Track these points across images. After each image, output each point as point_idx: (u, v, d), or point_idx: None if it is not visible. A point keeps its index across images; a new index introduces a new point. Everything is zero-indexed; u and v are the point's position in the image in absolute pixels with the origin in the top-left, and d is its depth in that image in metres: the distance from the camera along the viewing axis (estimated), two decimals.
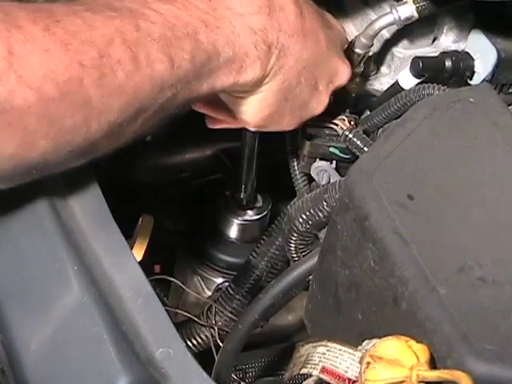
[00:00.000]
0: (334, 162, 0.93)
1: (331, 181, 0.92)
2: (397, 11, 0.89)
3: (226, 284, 1.07)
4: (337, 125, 0.88)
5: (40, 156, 0.61)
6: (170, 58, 0.65)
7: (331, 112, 0.87)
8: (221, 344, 0.99)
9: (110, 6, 0.65)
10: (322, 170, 0.92)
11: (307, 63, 0.77)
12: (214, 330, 1.02)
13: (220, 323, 1.03)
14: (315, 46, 0.77)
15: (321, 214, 0.83)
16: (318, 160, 0.93)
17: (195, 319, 1.04)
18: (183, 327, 1.04)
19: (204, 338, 1.04)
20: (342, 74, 0.83)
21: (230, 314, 1.03)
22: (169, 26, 0.66)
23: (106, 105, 0.62)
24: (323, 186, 0.90)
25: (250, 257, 1.03)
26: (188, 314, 1.04)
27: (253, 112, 0.78)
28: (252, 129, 0.82)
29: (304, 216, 0.84)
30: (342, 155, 0.90)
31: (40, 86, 0.58)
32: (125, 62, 0.62)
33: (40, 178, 0.64)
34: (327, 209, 0.82)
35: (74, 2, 0.64)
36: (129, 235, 0.86)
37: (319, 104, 0.82)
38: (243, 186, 1.07)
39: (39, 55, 0.58)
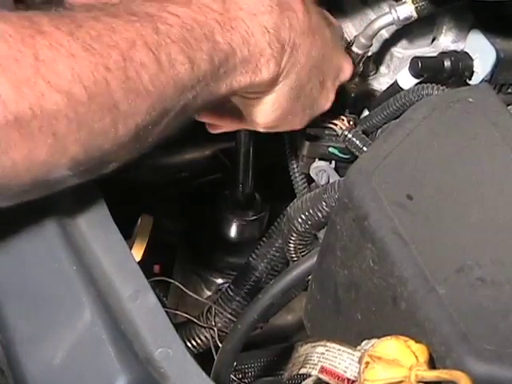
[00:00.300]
0: (333, 162, 0.93)
1: (330, 181, 0.92)
2: (396, 11, 0.89)
3: (226, 285, 1.07)
4: (336, 125, 0.88)
5: (70, 161, 0.61)
6: (190, 59, 0.66)
7: (331, 112, 0.87)
8: (220, 345, 0.99)
9: (128, 10, 0.65)
10: (321, 170, 0.92)
11: (316, 60, 0.78)
12: (214, 331, 1.02)
13: (220, 324, 1.03)
14: (322, 43, 0.78)
15: (320, 214, 0.83)
16: (317, 160, 0.93)
17: (195, 320, 1.04)
18: (183, 328, 1.04)
19: (203, 339, 1.04)
20: (346, 69, 0.84)
21: (229, 316, 1.03)
22: (186, 28, 0.66)
23: (133, 107, 0.62)
24: (322, 186, 0.90)
25: (250, 258, 1.03)
26: (187, 316, 1.04)
27: (266, 112, 0.78)
28: (262, 130, 0.82)
29: (303, 216, 0.84)
30: (341, 155, 0.90)
31: (68, 89, 0.58)
32: (148, 65, 0.63)
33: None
34: (326, 209, 0.82)
35: (94, 8, 0.65)
36: (128, 235, 0.86)
37: (327, 101, 0.82)
38: (241, 186, 1.07)
39: (65, 60, 0.58)
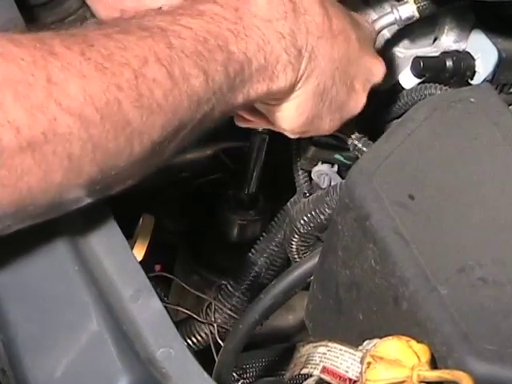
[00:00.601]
0: (336, 165, 0.92)
1: (332, 184, 0.92)
2: (397, 11, 0.89)
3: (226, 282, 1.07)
4: (348, 136, 0.87)
5: (86, 182, 0.61)
6: (205, 71, 0.65)
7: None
8: (220, 342, 0.99)
9: (141, 25, 0.65)
10: (324, 174, 0.92)
11: (340, 63, 0.76)
12: (214, 327, 1.03)
13: (219, 320, 1.04)
14: (346, 45, 0.77)
15: (322, 217, 0.83)
16: (319, 163, 0.92)
17: (195, 316, 1.04)
18: (183, 325, 1.04)
19: (204, 335, 1.04)
20: (378, 71, 0.82)
21: (229, 312, 1.03)
22: (200, 41, 0.66)
23: (147, 125, 0.62)
24: (324, 188, 0.90)
25: (249, 253, 1.03)
26: (187, 312, 1.04)
27: (290, 118, 0.77)
28: (291, 135, 0.81)
29: (305, 218, 0.84)
30: (345, 161, 0.90)
31: (80, 112, 0.58)
32: (161, 81, 0.62)
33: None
34: (328, 211, 0.82)
35: (107, 24, 0.65)
36: (129, 235, 0.86)
37: (358, 103, 0.81)
38: (246, 187, 1.07)
39: (77, 81, 0.58)
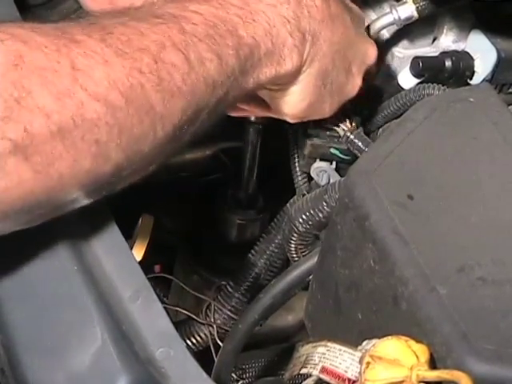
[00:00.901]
0: (334, 162, 0.93)
1: (331, 181, 0.92)
2: (397, 11, 0.89)
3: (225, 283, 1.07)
4: (338, 126, 0.88)
5: (114, 168, 0.61)
6: (218, 55, 0.66)
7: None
8: (220, 343, 0.99)
9: (153, 13, 0.66)
10: (322, 171, 0.92)
11: (340, 46, 0.78)
12: (213, 327, 1.03)
13: (219, 321, 1.04)
14: (344, 29, 0.78)
15: (321, 215, 0.83)
16: (318, 160, 0.93)
17: (194, 317, 1.04)
18: (182, 326, 1.04)
19: (203, 336, 1.04)
20: (371, 53, 0.84)
21: (229, 312, 1.03)
22: (210, 26, 0.67)
23: (168, 108, 0.63)
24: (323, 186, 0.90)
25: (249, 255, 1.03)
26: (187, 312, 1.04)
27: (293, 103, 0.78)
28: (291, 120, 0.82)
29: (304, 216, 0.84)
30: (342, 156, 0.90)
31: (106, 96, 0.58)
32: (179, 65, 0.63)
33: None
34: (327, 209, 0.82)
35: (120, 14, 0.66)
36: (129, 235, 0.86)
37: (354, 86, 0.82)
38: (245, 186, 1.07)
39: (100, 67, 0.59)
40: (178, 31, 0.65)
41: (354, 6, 0.86)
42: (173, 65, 0.63)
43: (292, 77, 0.75)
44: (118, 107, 0.59)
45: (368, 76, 0.85)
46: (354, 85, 0.82)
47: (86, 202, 0.63)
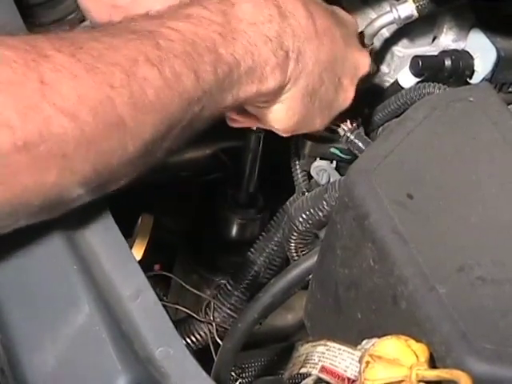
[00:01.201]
0: (334, 161, 0.93)
1: (331, 180, 0.92)
2: (397, 10, 0.89)
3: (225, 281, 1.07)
4: (338, 126, 0.88)
5: (81, 181, 0.61)
6: (195, 71, 0.66)
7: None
8: (219, 341, 0.99)
9: (128, 29, 0.66)
10: (322, 170, 0.92)
11: (328, 63, 0.77)
12: (213, 326, 1.02)
13: (218, 320, 1.03)
14: (332, 45, 0.78)
15: (321, 214, 0.83)
16: (318, 159, 0.93)
17: (194, 315, 1.04)
18: (182, 324, 1.04)
19: (203, 334, 1.04)
20: (364, 64, 0.83)
21: (228, 311, 1.03)
22: (188, 43, 0.67)
23: (139, 123, 0.62)
24: (323, 185, 0.90)
25: (249, 253, 1.03)
26: (186, 311, 1.04)
27: (281, 119, 0.78)
28: (284, 135, 0.82)
29: (304, 215, 0.84)
30: (342, 156, 0.90)
31: (74, 111, 0.58)
32: (152, 79, 0.63)
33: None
34: (327, 208, 0.82)
35: (93, 29, 0.66)
36: (128, 234, 0.86)
37: (346, 98, 0.82)
38: (245, 186, 1.07)
39: (69, 82, 0.58)
40: (153, 47, 0.64)
41: (344, 15, 0.85)
42: (145, 79, 0.62)
43: (275, 94, 0.75)
44: (86, 122, 0.59)
45: (365, 77, 0.85)
46: (346, 97, 0.82)
47: (52, 214, 0.63)
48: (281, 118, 0.78)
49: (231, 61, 0.69)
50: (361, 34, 0.89)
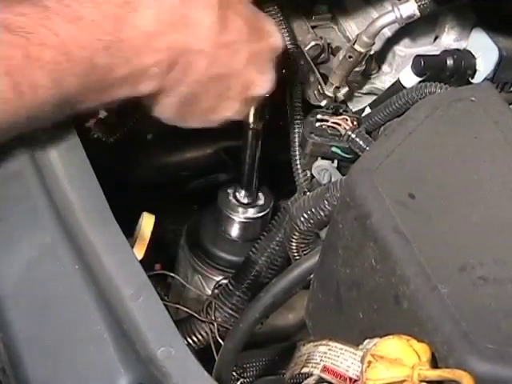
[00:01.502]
0: (336, 161, 0.93)
1: (332, 180, 0.92)
2: (398, 10, 0.89)
3: (226, 281, 1.07)
4: (339, 125, 0.88)
5: None
6: (56, 81, 0.66)
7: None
8: (220, 341, 0.99)
9: (7, 26, 0.64)
10: (324, 169, 0.92)
11: (217, 76, 0.77)
12: (214, 326, 1.02)
13: (220, 319, 1.03)
14: (229, 60, 0.77)
15: (322, 213, 0.82)
16: (319, 159, 0.93)
17: (195, 315, 1.04)
18: (183, 324, 1.04)
19: (204, 334, 1.04)
20: (260, 85, 0.82)
21: (229, 310, 1.03)
22: (63, 52, 0.66)
23: None
24: (324, 184, 0.90)
25: (250, 253, 1.03)
26: (188, 310, 1.04)
27: (161, 113, 0.80)
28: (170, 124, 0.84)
29: (305, 215, 0.83)
30: (344, 155, 0.90)
31: None
32: (4, 91, 0.64)
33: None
34: (328, 208, 0.82)
35: None
36: (130, 234, 0.86)
37: (227, 109, 0.82)
38: (245, 185, 1.07)
39: None
40: (21, 56, 0.64)
41: (270, 30, 0.82)
42: None
43: (151, 97, 0.76)
44: None
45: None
46: (228, 108, 0.82)
47: None
48: (160, 111, 0.79)
49: (104, 72, 0.70)
50: (284, 51, 0.87)
